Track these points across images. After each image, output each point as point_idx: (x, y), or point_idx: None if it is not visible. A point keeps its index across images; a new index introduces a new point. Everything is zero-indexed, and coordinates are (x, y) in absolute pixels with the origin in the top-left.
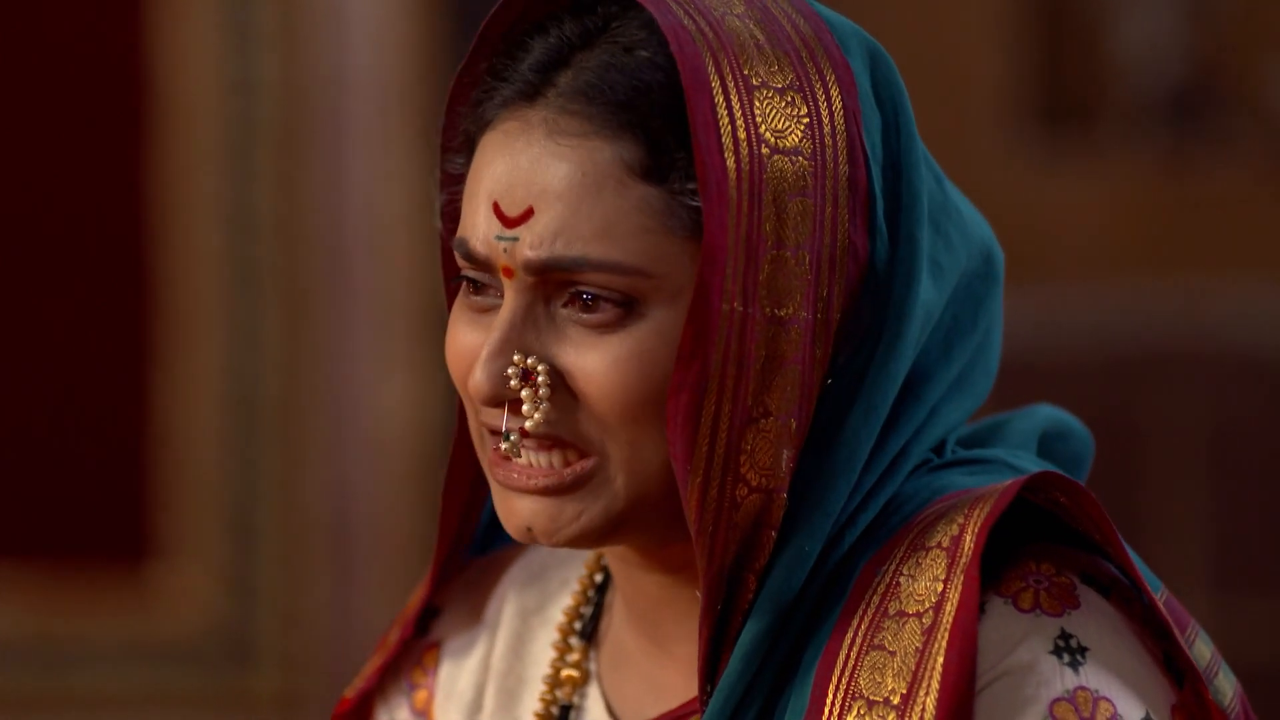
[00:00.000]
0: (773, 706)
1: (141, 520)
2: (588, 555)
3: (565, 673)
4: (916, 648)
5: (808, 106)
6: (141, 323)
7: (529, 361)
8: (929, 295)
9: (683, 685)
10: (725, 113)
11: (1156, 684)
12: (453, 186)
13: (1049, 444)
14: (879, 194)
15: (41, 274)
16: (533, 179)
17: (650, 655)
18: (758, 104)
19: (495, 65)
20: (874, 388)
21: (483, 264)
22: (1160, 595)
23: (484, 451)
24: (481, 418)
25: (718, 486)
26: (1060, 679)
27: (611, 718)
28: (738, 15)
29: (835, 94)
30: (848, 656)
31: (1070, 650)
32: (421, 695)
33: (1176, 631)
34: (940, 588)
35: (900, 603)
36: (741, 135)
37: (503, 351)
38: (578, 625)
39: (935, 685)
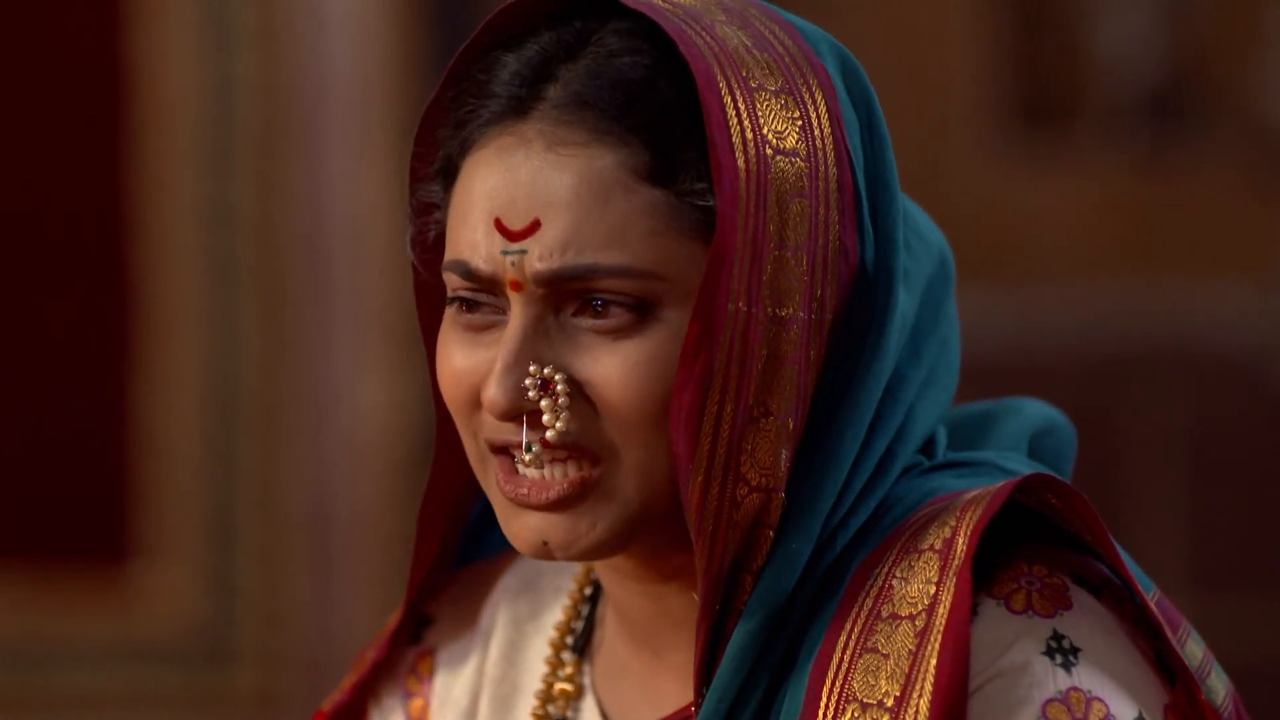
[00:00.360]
0: (767, 708)
1: (121, 520)
2: (577, 566)
3: (559, 687)
4: (910, 650)
5: (799, 109)
6: (121, 322)
7: (546, 371)
8: (904, 300)
9: (678, 692)
10: (733, 114)
11: (1149, 684)
12: (424, 216)
13: (1036, 440)
14: (864, 197)
15: (20, 273)
16: (535, 191)
17: (645, 663)
18: (759, 106)
19: (472, 85)
20: (861, 388)
21: (486, 281)
22: (1152, 595)
23: (487, 472)
24: (490, 435)
25: (719, 485)
26: (1053, 680)
27: None
28: (723, 23)
29: (820, 98)
30: (841, 659)
31: (1062, 651)
32: (417, 703)
33: (1168, 631)
34: (933, 590)
35: (893, 605)
36: (749, 136)
37: (518, 363)
38: (569, 640)
39: (928, 687)
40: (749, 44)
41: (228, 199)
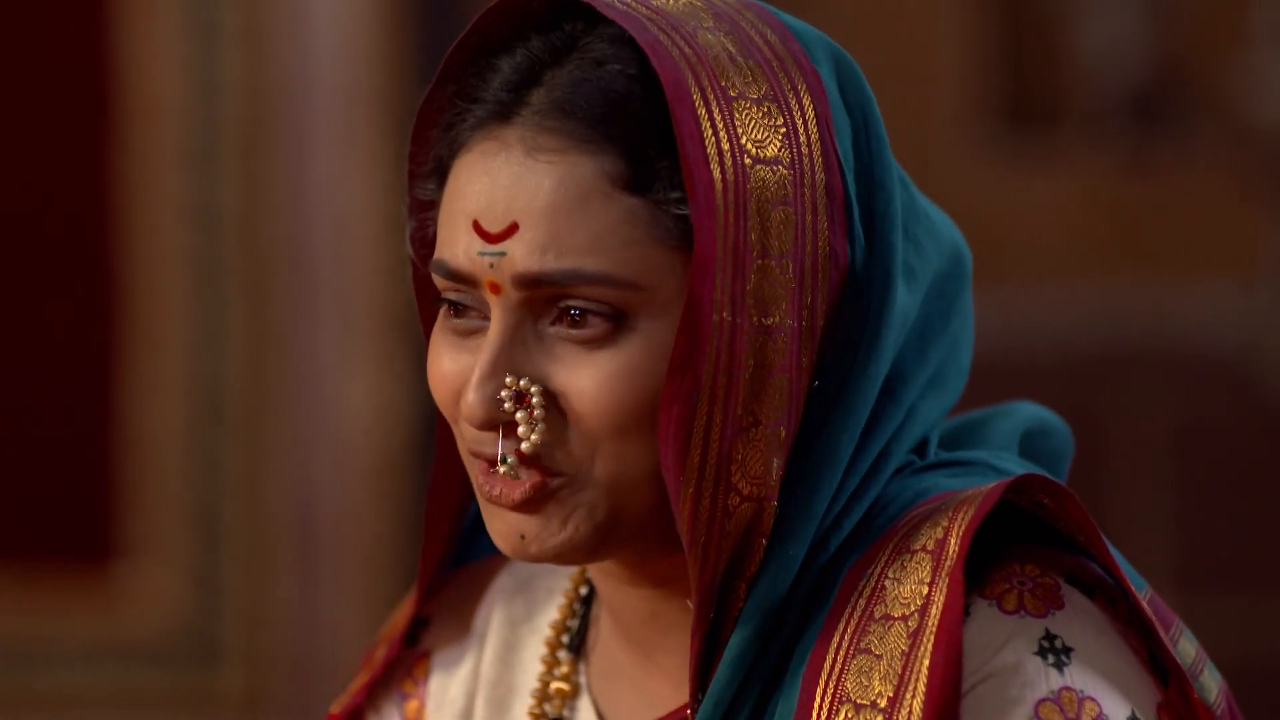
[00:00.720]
0: (762, 711)
1: (106, 520)
2: (572, 568)
3: (555, 686)
4: (902, 651)
5: (783, 116)
6: (107, 322)
7: (522, 384)
8: (904, 299)
9: (673, 694)
10: (708, 124)
11: (1142, 683)
12: (422, 213)
13: (1030, 441)
14: (854, 200)
15: (5, 274)
16: (514, 196)
17: (640, 666)
18: (737, 115)
19: (464, 88)
20: (855, 391)
21: (466, 280)
22: (1144, 594)
23: (474, 470)
24: (470, 445)
25: (710, 496)
26: (1045, 679)
27: None
28: (708, 29)
29: (808, 103)
30: (834, 660)
31: (1055, 651)
32: (413, 705)
33: (1161, 630)
34: (925, 591)
35: (886, 606)
36: (725, 146)
37: (494, 374)
38: (564, 639)
39: (921, 688)
40: (733, 51)
41: (213, 199)
